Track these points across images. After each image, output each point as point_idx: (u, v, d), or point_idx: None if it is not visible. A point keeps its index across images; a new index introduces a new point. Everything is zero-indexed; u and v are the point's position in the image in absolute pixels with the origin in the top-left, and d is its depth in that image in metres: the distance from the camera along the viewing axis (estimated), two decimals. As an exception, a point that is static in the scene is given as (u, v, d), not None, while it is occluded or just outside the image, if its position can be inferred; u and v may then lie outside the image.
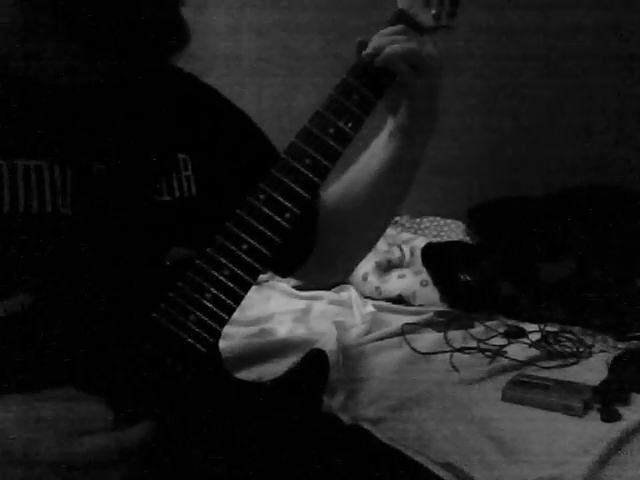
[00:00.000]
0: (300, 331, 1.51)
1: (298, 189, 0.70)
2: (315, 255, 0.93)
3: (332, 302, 1.70)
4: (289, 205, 0.70)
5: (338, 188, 0.93)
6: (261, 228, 0.69)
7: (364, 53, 0.76)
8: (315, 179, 0.71)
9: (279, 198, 0.70)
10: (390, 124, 0.86)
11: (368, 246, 1.00)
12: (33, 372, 0.63)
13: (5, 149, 0.69)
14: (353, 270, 1.06)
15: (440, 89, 0.82)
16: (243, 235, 0.68)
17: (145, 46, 0.72)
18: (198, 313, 0.67)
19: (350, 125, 0.73)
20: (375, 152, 0.88)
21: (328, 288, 1.76)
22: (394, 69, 0.76)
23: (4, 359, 0.62)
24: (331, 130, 0.72)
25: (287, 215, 0.69)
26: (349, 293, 1.75)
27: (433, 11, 0.79)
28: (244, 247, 0.68)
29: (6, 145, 0.69)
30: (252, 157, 0.87)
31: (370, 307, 1.65)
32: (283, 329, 1.53)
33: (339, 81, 0.75)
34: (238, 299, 0.68)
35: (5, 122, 0.70)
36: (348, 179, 0.93)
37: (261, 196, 0.70)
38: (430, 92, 0.81)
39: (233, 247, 0.68)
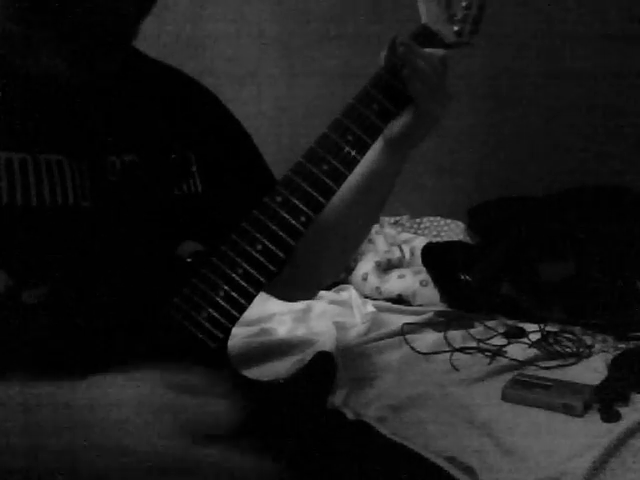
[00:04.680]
0: (300, 331, 1.52)
1: (315, 193, 0.71)
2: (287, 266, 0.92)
3: (332, 302, 1.70)
4: (305, 209, 0.71)
5: None
6: (276, 230, 0.70)
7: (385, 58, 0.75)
8: (332, 185, 0.72)
9: (295, 201, 0.71)
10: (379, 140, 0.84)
11: (339, 263, 1.00)
12: (48, 362, 0.63)
13: (29, 143, 0.69)
14: (321, 287, 1.04)
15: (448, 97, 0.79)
16: (258, 235, 0.70)
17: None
18: (210, 309, 0.68)
19: (369, 134, 0.74)
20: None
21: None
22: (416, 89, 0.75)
23: (21, 349, 0.63)
24: (350, 138, 0.73)
25: (302, 218, 0.70)
26: (349, 293, 1.76)
27: (456, 28, 0.79)
28: (259, 247, 0.69)
29: (30, 139, 0.70)
30: (248, 167, 0.88)
31: (370, 307, 1.65)
32: (283, 329, 1.53)
33: (360, 89, 0.75)
34: (250, 298, 0.70)
35: (26, 117, 0.71)
36: None
37: (278, 198, 0.71)
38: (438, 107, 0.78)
39: (248, 247, 0.69)
